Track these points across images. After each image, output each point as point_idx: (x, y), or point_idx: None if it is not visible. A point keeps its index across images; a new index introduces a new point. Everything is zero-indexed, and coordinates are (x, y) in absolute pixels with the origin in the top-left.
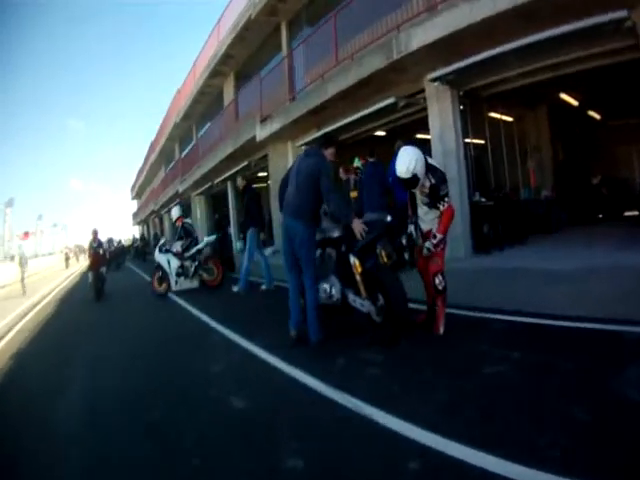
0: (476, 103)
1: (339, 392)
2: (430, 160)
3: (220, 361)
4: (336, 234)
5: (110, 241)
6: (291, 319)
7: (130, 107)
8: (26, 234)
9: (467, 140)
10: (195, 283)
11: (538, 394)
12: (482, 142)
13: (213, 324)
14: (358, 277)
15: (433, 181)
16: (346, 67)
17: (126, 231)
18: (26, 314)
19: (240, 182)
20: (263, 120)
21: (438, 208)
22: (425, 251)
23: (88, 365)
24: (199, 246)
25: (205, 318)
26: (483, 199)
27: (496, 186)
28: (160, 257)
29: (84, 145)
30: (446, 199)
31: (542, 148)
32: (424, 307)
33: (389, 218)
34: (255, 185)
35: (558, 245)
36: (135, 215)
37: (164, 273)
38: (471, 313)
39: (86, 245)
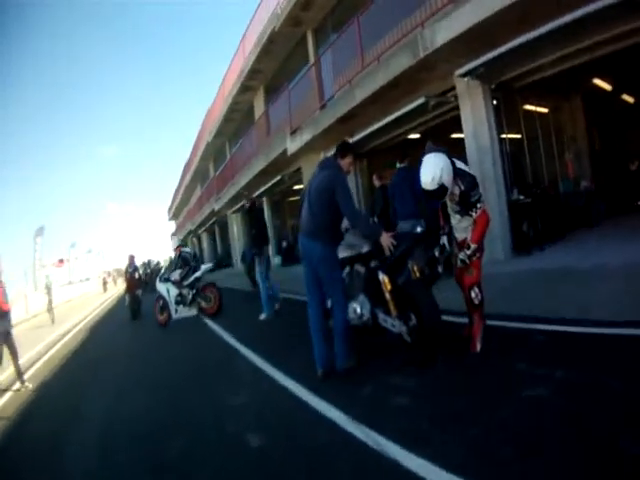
0: (509, 96)
1: (363, 428)
2: (459, 164)
3: (244, 391)
4: (364, 249)
5: (147, 264)
6: (315, 353)
7: (163, 126)
8: (61, 261)
9: (502, 136)
10: (194, 311)
11: (583, 423)
12: (518, 137)
13: (242, 349)
14: (388, 295)
15: (462, 187)
16: (373, 70)
17: (165, 252)
18: (56, 343)
19: (246, 202)
20: (293, 132)
21: (471, 215)
22: (459, 263)
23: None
24: (197, 274)
25: (233, 342)
26: (521, 197)
27: (534, 181)
28: (160, 286)
29: (119, 169)
30: (479, 205)
31: (578, 138)
32: (466, 320)
33: (419, 229)
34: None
35: (602, 240)
36: (173, 236)
37: (165, 302)
38: (513, 324)
39: (124, 269)
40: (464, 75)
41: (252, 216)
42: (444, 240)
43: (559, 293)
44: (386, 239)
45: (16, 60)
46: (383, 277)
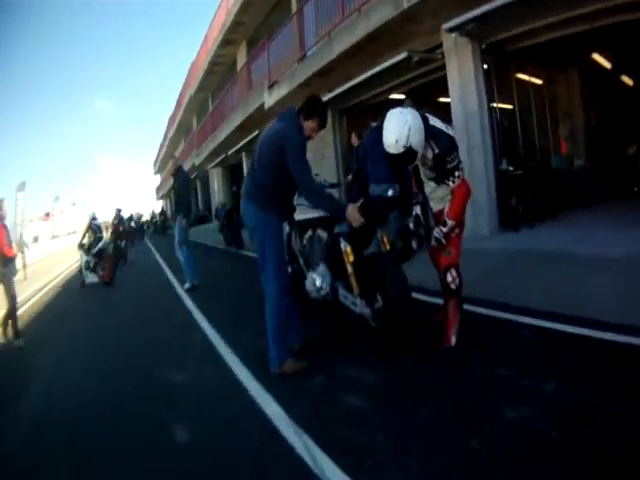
0: (501, 61)
1: (301, 433)
2: (433, 120)
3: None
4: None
5: (131, 218)
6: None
7: (155, 83)
8: (47, 215)
9: (493, 105)
10: (96, 278)
11: (573, 463)
12: (509, 107)
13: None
14: (350, 268)
15: (437, 150)
16: (353, 22)
17: (151, 206)
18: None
19: (171, 165)
20: (271, 86)
21: (447, 185)
22: (433, 241)
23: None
24: (100, 245)
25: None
26: (511, 168)
27: (525, 154)
28: (79, 252)
29: (112, 124)
30: (457, 173)
31: (574, 114)
32: (440, 301)
33: (391, 192)
34: None
35: (596, 222)
36: (158, 189)
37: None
38: (494, 312)
39: (111, 221)
40: (452, 30)
41: (175, 181)
42: (417, 210)
43: (549, 281)
44: (354, 215)
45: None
46: (345, 246)
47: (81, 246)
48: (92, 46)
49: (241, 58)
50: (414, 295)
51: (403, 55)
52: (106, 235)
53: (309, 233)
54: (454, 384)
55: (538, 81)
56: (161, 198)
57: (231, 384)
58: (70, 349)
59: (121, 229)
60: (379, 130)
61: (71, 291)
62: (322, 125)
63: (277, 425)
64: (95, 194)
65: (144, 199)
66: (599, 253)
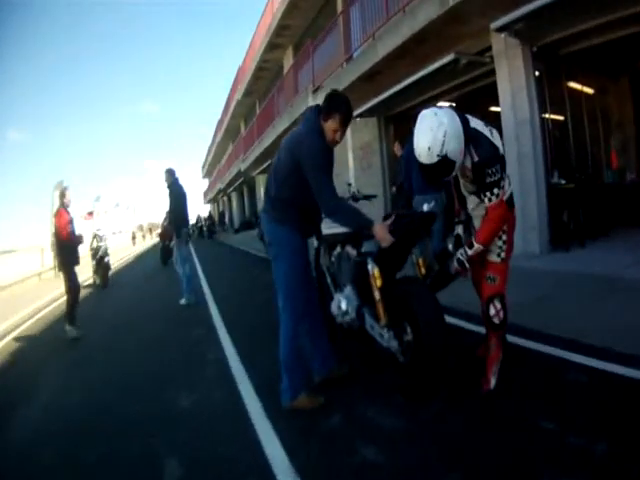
0: (553, 68)
1: None
2: (474, 122)
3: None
4: None
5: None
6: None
7: (204, 84)
8: (90, 214)
9: (545, 116)
10: (98, 280)
11: None
12: (561, 118)
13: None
14: (377, 294)
15: (476, 158)
16: (397, 22)
17: (199, 209)
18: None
19: (166, 177)
20: (315, 90)
21: (483, 201)
22: (456, 264)
23: None
24: (100, 253)
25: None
26: (563, 181)
27: (577, 166)
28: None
29: (160, 127)
30: (496, 190)
31: (625, 125)
32: (483, 329)
33: (426, 206)
34: None
35: None
36: (205, 194)
37: None
38: (541, 347)
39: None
40: (501, 30)
41: (170, 192)
42: (459, 230)
43: (604, 311)
44: (382, 234)
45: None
46: (373, 268)
47: (91, 250)
48: (139, 48)
49: (287, 63)
50: (455, 321)
51: (450, 57)
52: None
53: (337, 249)
54: (489, 440)
55: (589, 90)
56: (209, 202)
57: (238, 416)
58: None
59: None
60: None
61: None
62: (344, 122)
63: (276, 473)
64: (142, 196)
65: (192, 203)
66: None
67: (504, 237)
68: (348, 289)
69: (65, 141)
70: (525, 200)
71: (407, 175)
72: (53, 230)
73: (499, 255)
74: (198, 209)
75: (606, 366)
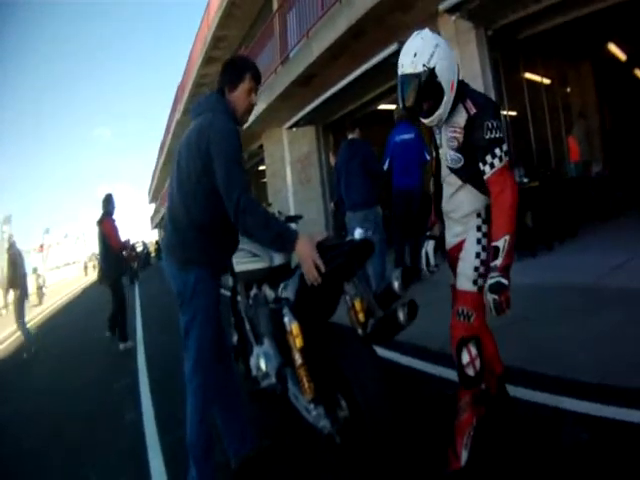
0: (511, 55)
1: None
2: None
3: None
4: (276, 261)
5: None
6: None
7: (154, 105)
8: (41, 247)
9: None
10: None
11: None
12: (519, 112)
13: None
14: (298, 357)
15: (474, 110)
16: (333, 14)
17: (145, 234)
18: None
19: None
20: None
21: (483, 172)
22: (491, 305)
23: None
24: None
25: None
26: (526, 179)
27: (540, 161)
28: None
29: (111, 151)
30: (498, 152)
31: (588, 114)
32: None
33: (358, 234)
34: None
35: (627, 241)
36: (152, 219)
37: None
38: (525, 392)
39: None
40: (452, 11)
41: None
42: (428, 247)
43: (591, 333)
44: (307, 251)
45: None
46: (291, 322)
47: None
48: (82, 72)
49: None
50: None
51: (393, 48)
52: None
53: (254, 290)
54: None
55: (549, 78)
56: (155, 227)
57: None
58: None
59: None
60: (355, 145)
61: None
62: (256, 77)
63: None
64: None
65: (138, 227)
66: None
67: (482, 255)
68: (266, 343)
69: (11, 173)
70: None
71: (338, 187)
72: (100, 240)
73: (475, 282)
74: (145, 235)
75: (605, 411)
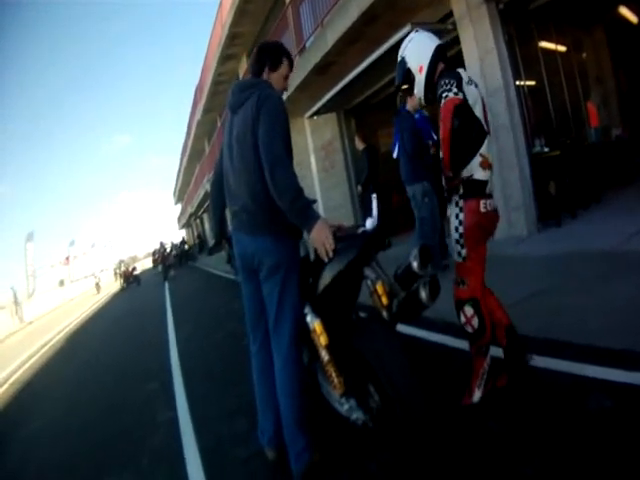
0: (524, 27)
1: None
2: (464, 74)
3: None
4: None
5: (175, 246)
6: (260, 426)
7: (170, 110)
8: (67, 259)
9: (518, 83)
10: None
11: None
12: (536, 81)
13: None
14: (324, 354)
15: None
16: (345, 3)
17: (173, 235)
18: None
19: None
20: None
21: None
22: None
23: None
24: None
25: None
26: (546, 149)
27: (560, 130)
28: None
29: (132, 157)
30: (445, 94)
31: (604, 79)
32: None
33: (369, 224)
34: None
35: None
36: (179, 219)
37: None
38: (551, 360)
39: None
40: None
41: None
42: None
43: (616, 299)
44: (321, 235)
45: (29, 58)
46: (312, 321)
47: None
48: (100, 80)
49: (243, 72)
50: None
51: (407, 29)
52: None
53: None
54: None
55: (564, 47)
56: (183, 227)
57: None
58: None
59: (166, 253)
60: (399, 117)
61: None
62: (292, 63)
63: None
64: (118, 231)
65: (166, 229)
66: None
67: (460, 229)
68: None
69: (35, 189)
70: (506, 178)
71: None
72: None
73: (459, 254)
74: (173, 236)
75: (631, 377)
